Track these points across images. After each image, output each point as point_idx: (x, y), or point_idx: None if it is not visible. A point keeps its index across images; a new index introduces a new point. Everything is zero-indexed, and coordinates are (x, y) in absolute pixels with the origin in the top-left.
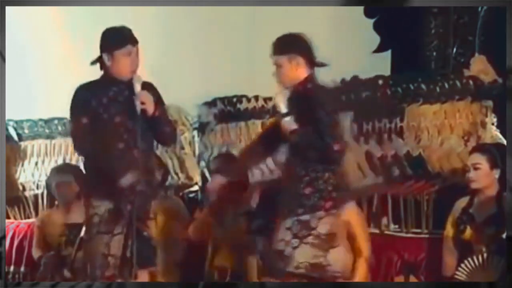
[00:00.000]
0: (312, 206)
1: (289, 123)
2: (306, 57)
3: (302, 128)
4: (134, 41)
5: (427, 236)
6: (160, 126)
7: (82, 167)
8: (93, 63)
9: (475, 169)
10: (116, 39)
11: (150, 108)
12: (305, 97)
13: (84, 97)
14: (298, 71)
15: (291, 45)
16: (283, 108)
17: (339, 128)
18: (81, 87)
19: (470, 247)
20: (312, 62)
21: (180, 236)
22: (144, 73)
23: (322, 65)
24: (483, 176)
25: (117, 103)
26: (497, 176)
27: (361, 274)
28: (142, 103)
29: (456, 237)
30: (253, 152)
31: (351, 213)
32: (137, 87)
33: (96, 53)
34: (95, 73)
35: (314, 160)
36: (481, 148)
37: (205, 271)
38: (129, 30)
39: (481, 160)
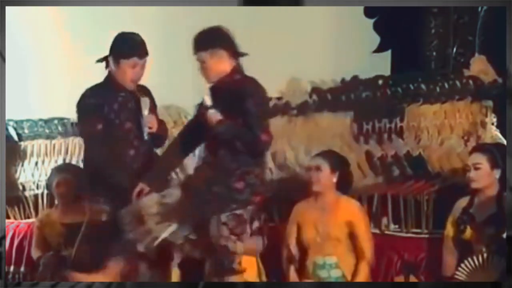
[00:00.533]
0: (244, 201)
1: (214, 114)
2: (228, 49)
3: (228, 119)
4: (142, 54)
5: (427, 236)
6: (158, 137)
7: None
8: (99, 61)
9: (476, 169)
10: (125, 48)
11: (155, 128)
12: (233, 89)
13: (95, 101)
14: (222, 64)
15: (211, 39)
16: (208, 101)
17: (267, 119)
18: (90, 90)
19: (470, 247)
20: (235, 53)
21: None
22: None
23: (244, 54)
24: (484, 176)
25: (127, 110)
26: (497, 176)
27: (362, 277)
28: (150, 127)
29: (456, 237)
30: (173, 152)
31: (354, 213)
32: (145, 112)
33: (96, 53)
34: (95, 73)
35: (241, 151)
36: (481, 148)
37: (205, 271)
38: (141, 41)
39: (482, 160)
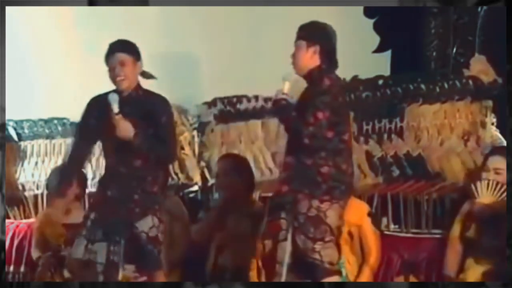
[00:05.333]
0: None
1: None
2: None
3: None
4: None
5: (427, 236)
6: None
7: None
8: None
9: (497, 173)
10: None
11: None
12: (139, 101)
13: None
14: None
15: (124, 47)
16: (115, 108)
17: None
18: None
19: (472, 247)
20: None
21: (181, 237)
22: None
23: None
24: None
25: None
26: None
27: (363, 280)
28: None
29: (460, 236)
30: None
31: (363, 218)
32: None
33: (96, 52)
34: (95, 73)
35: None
36: (501, 151)
37: (206, 271)
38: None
39: (502, 166)
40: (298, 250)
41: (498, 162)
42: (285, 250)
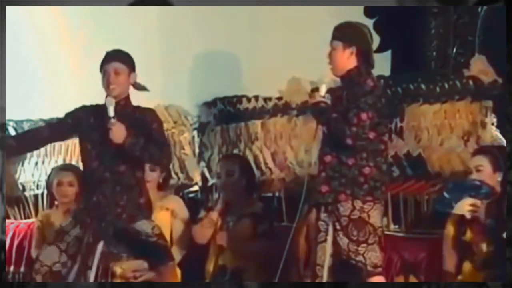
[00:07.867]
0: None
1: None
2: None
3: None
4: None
5: (427, 236)
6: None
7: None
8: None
9: (478, 171)
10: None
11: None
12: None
13: None
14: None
15: (120, 57)
16: (111, 112)
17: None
18: None
19: (470, 247)
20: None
21: (182, 236)
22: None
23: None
24: (486, 178)
25: None
26: (499, 178)
27: None
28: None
29: (456, 237)
30: None
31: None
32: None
33: (96, 52)
34: (95, 73)
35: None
36: (483, 150)
37: (206, 271)
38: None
39: (484, 162)
40: (340, 252)
41: (479, 160)
42: (325, 252)
